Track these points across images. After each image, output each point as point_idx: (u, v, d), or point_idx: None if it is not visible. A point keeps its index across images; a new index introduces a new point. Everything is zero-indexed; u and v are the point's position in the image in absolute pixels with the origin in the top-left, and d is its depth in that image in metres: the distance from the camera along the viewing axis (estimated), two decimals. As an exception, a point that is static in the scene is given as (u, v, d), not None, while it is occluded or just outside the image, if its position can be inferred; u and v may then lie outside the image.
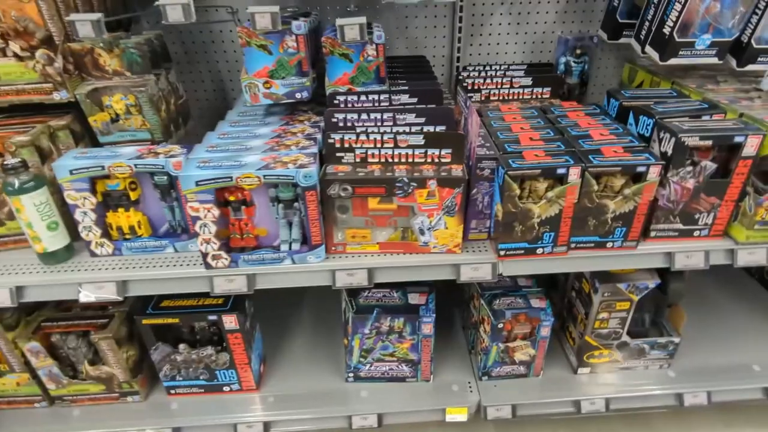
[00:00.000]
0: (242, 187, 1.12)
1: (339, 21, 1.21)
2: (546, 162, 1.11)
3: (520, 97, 1.65)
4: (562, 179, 1.11)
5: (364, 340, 1.47)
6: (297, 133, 1.30)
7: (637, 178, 1.14)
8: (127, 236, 1.27)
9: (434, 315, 1.42)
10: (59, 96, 1.28)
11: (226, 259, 1.20)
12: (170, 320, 1.38)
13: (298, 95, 1.33)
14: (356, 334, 1.46)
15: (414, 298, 1.46)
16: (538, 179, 1.12)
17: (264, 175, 1.09)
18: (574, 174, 1.10)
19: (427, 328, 1.43)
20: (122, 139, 1.36)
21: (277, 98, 1.33)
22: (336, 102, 1.33)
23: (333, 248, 1.25)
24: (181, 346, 1.45)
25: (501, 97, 1.65)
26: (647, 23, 1.45)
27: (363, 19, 1.21)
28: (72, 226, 1.24)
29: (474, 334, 1.59)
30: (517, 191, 1.11)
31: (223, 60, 1.77)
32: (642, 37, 1.48)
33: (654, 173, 1.11)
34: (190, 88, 1.81)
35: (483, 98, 1.66)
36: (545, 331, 1.44)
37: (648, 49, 1.45)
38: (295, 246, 1.21)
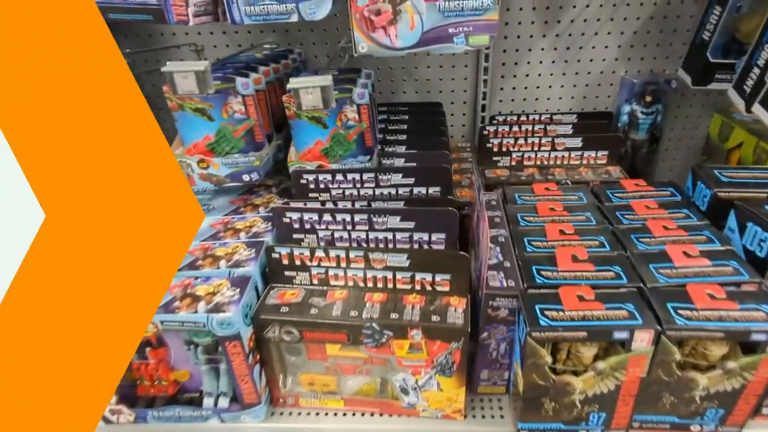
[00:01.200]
0: (134, 333, 0.77)
1: (293, 82, 0.84)
2: (596, 316, 0.69)
3: (565, 162, 1.23)
4: (623, 344, 0.70)
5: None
6: (242, 230, 0.95)
7: (750, 344, 0.70)
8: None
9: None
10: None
11: (130, 414, 0.86)
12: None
13: (245, 177, 0.97)
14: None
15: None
16: (583, 342, 0.71)
17: (161, 321, 0.74)
18: (641, 340, 0.68)
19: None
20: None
21: (218, 180, 0.98)
22: (303, 182, 0.97)
23: (281, 400, 0.88)
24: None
25: (539, 162, 1.24)
26: (757, 71, 0.99)
27: (328, 80, 0.84)
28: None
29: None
30: (548, 359, 0.71)
31: (190, 106, 1.44)
32: (747, 89, 1.02)
33: (781, 345, 0.67)
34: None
35: (514, 162, 1.25)
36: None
37: (757, 108, 0.99)
38: (224, 401, 0.85)
